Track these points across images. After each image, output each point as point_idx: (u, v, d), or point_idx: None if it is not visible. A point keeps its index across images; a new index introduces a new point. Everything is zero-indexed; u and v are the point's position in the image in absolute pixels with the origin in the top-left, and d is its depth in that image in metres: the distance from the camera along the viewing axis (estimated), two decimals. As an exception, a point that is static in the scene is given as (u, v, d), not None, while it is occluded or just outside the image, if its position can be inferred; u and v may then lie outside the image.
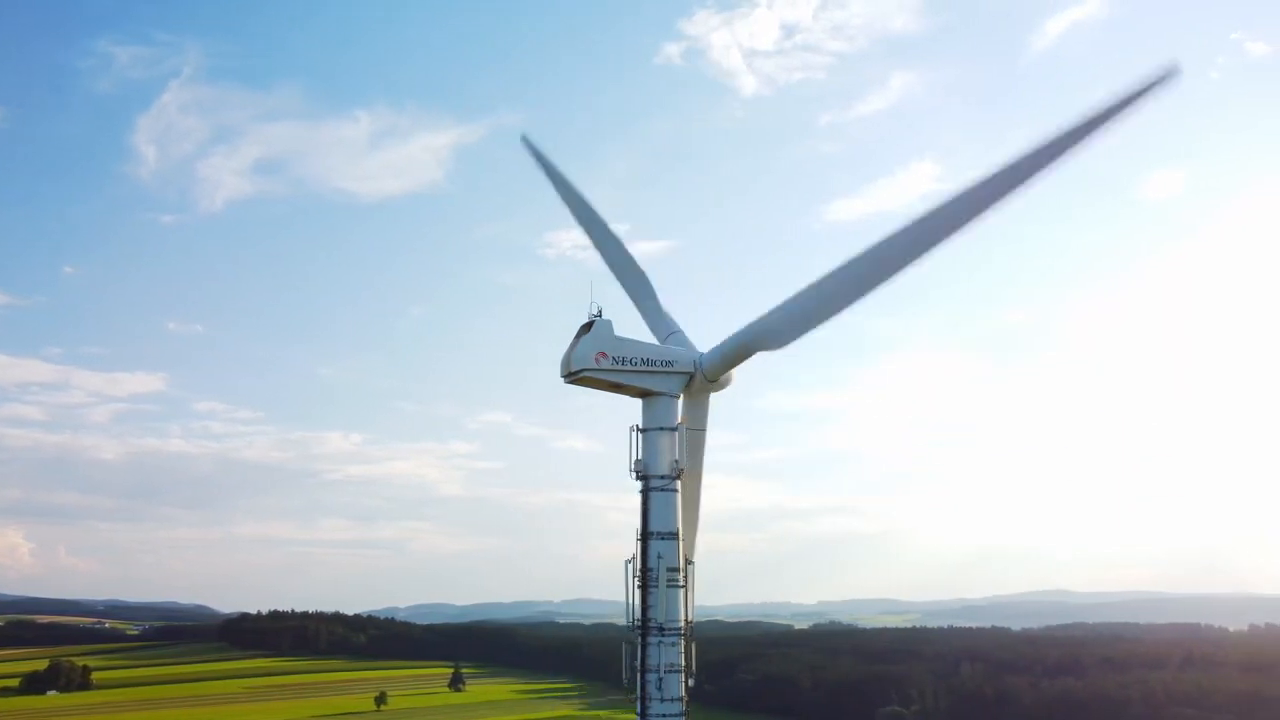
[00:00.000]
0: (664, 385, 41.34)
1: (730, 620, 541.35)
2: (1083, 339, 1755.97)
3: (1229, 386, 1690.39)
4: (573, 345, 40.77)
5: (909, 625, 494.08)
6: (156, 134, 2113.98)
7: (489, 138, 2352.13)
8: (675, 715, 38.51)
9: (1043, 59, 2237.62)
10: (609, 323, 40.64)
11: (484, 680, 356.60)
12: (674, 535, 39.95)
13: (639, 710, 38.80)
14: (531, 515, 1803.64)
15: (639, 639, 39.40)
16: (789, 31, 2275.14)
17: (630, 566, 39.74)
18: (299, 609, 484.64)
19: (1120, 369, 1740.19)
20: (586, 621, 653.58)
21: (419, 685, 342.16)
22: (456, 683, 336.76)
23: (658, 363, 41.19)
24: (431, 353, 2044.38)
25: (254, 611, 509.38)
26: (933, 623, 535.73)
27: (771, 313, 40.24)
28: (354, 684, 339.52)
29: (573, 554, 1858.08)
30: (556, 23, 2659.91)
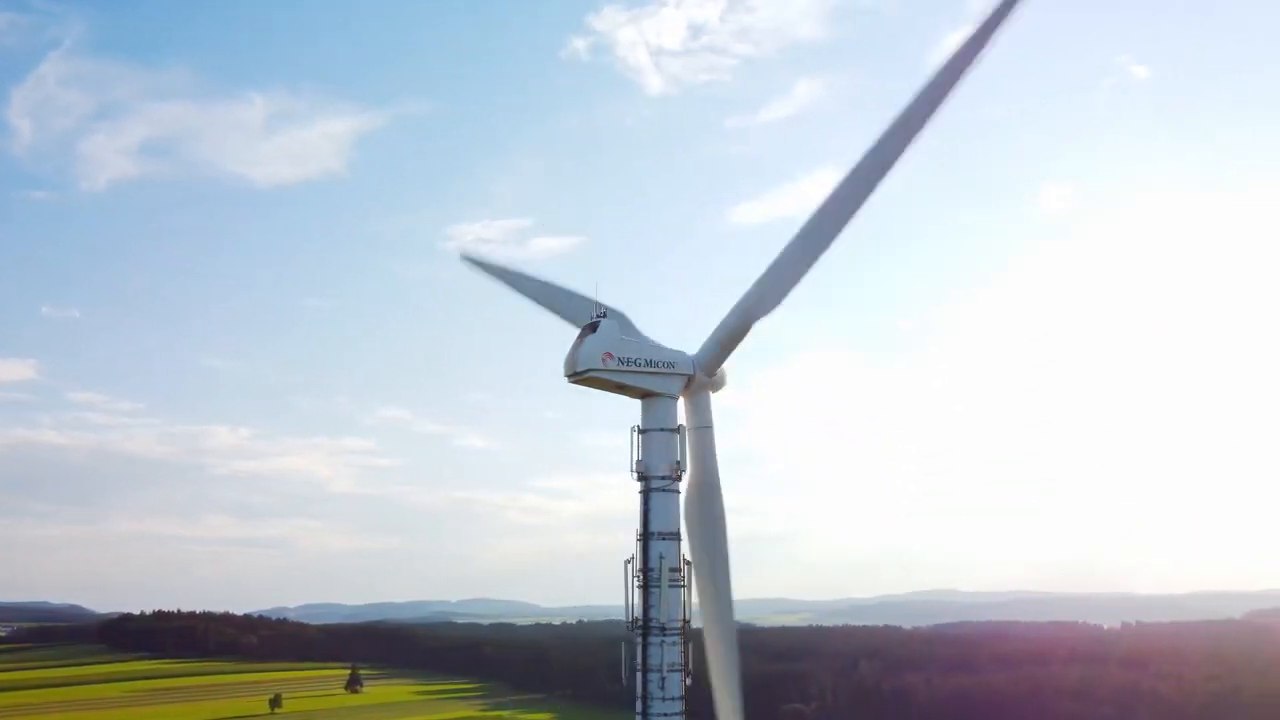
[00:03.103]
0: (665, 386, 41.79)
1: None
2: (973, 344, 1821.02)
3: (1107, 394, 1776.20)
4: (577, 345, 40.82)
5: (804, 625, 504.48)
6: (32, 107, 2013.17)
7: (391, 127, 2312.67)
8: (676, 714, 38.87)
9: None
10: (614, 324, 40.86)
11: (382, 681, 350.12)
12: (674, 535, 40.38)
13: (639, 710, 39.02)
14: (428, 514, 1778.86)
15: (639, 639, 39.58)
16: (695, 32, 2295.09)
17: (630, 566, 39.97)
18: (184, 609, 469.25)
19: (1006, 375, 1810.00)
20: (485, 622, 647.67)
21: (315, 687, 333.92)
22: (354, 684, 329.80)
23: (660, 364, 41.61)
24: (327, 346, 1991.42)
25: (135, 611, 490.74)
26: (826, 622, 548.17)
27: (752, 287, 42.22)
28: (246, 686, 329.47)
29: (470, 553, 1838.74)
30: (462, 11, 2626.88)
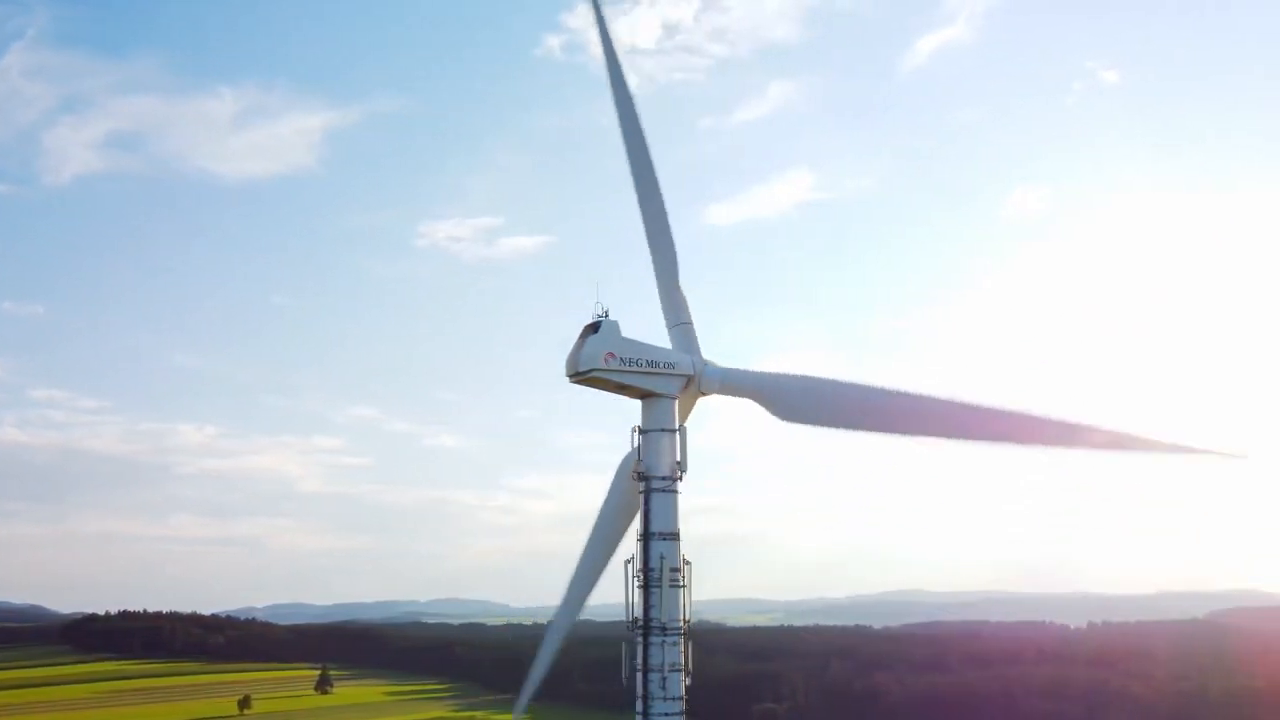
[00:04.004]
0: (666, 387, 41.89)
1: (602, 621, 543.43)
2: (950, 345, 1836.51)
3: (1078, 393, 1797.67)
4: (579, 345, 40.79)
5: (775, 624, 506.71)
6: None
7: (364, 123, 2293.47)
8: (677, 714, 38.93)
9: (914, 76, 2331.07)
10: (616, 324, 40.86)
11: (352, 682, 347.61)
12: (675, 536, 40.49)
13: (640, 709, 39.05)
14: (399, 513, 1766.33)
15: (640, 639, 39.60)
16: (670, 31, 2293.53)
17: (630, 567, 40.01)
18: (150, 609, 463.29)
19: (982, 375, 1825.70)
20: (455, 621, 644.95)
21: (284, 688, 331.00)
22: (324, 684, 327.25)
23: (661, 364, 41.67)
24: (296, 344, 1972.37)
25: (100, 612, 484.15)
26: (797, 621, 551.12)
27: (795, 384, 41.36)
28: (213, 687, 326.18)
29: (441, 553, 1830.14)
30: (437, 7, 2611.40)
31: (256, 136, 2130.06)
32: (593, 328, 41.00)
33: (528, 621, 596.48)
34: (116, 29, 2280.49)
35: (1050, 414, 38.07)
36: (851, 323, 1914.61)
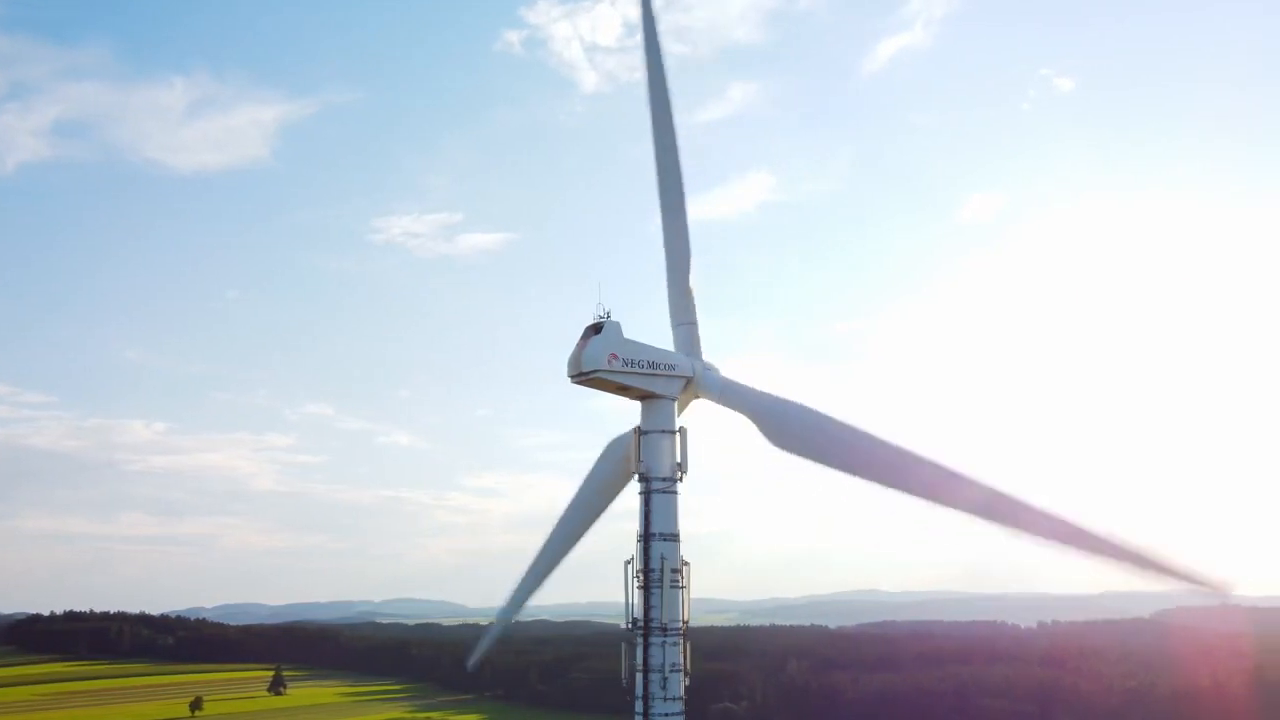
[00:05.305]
0: (666, 388, 42.13)
1: (558, 620, 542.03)
2: (904, 349, 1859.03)
3: (1028, 397, 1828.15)
4: (581, 345, 40.85)
5: (732, 625, 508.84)
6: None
7: (320, 115, 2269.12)
8: (677, 714, 39.18)
9: (873, 80, 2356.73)
10: (618, 325, 41.00)
11: (307, 683, 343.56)
12: (675, 536, 40.72)
13: (640, 710, 39.23)
14: (352, 512, 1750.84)
15: (640, 639, 39.79)
16: (631, 30, 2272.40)
17: (630, 567, 40.19)
18: (97, 609, 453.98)
19: (934, 379, 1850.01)
20: (410, 622, 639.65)
21: (236, 689, 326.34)
22: (277, 686, 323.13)
23: (661, 366, 41.89)
24: (248, 339, 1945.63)
25: (45, 612, 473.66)
26: (752, 621, 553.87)
27: (793, 413, 41.18)
28: (164, 689, 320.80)
29: (394, 552, 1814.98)
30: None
31: (209, 127, 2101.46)
32: (595, 328, 41.14)
33: (484, 622, 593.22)
34: (66, 15, 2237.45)
35: (1040, 501, 37.17)
36: (809, 325, 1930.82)
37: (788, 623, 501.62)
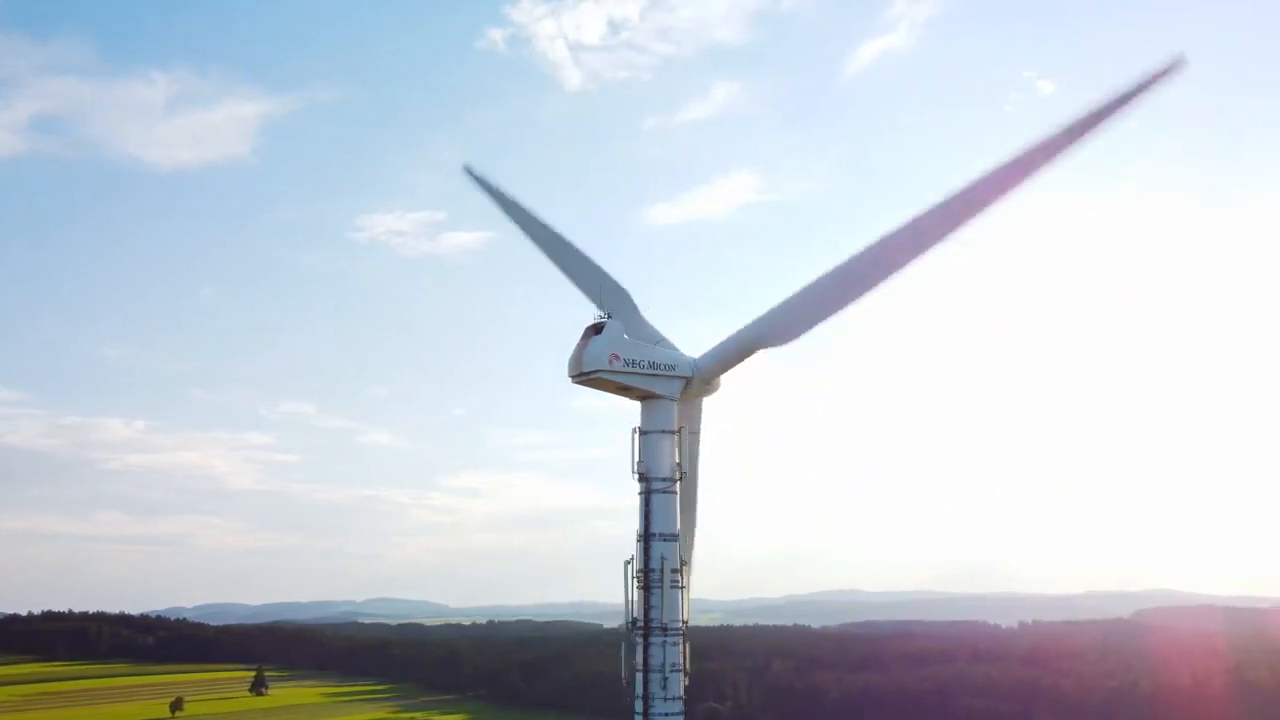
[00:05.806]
0: (666, 388, 42.11)
1: (540, 620, 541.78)
2: (881, 351, 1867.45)
3: (1001, 399, 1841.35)
4: (582, 346, 40.81)
5: (715, 624, 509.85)
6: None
7: (301, 112, 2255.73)
8: (677, 714, 39.14)
9: (856, 81, 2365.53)
10: (619, 325, 40.93)
11: (288, 683, 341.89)
12: (674, 537, 40.70)
13: (640, 709, 39.17)
14: (332, 511, 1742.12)
15: (639, 639, 39.75)
16: (615, 29, 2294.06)
17: (629, 568, 40.13)
18: (75, 609, 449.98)
19: (910, 381, 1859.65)
20: (391, 622, 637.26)
21: (217, 690, 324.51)
22: (259, 686, 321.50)
23: (661, 366, 41.87)
24: (227, 337, 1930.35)
25: (22, 612, 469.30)
26: (736, 621, 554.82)
27: (773, 311, 41.49)
28: (144, 689, 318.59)
29: (375, 552, 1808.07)
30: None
31: (189, 124, 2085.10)
32: (596, 328, 41.12)
33: (466, 622, 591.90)
34: (43, 8, 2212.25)
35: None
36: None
37: (770, 622, 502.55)
